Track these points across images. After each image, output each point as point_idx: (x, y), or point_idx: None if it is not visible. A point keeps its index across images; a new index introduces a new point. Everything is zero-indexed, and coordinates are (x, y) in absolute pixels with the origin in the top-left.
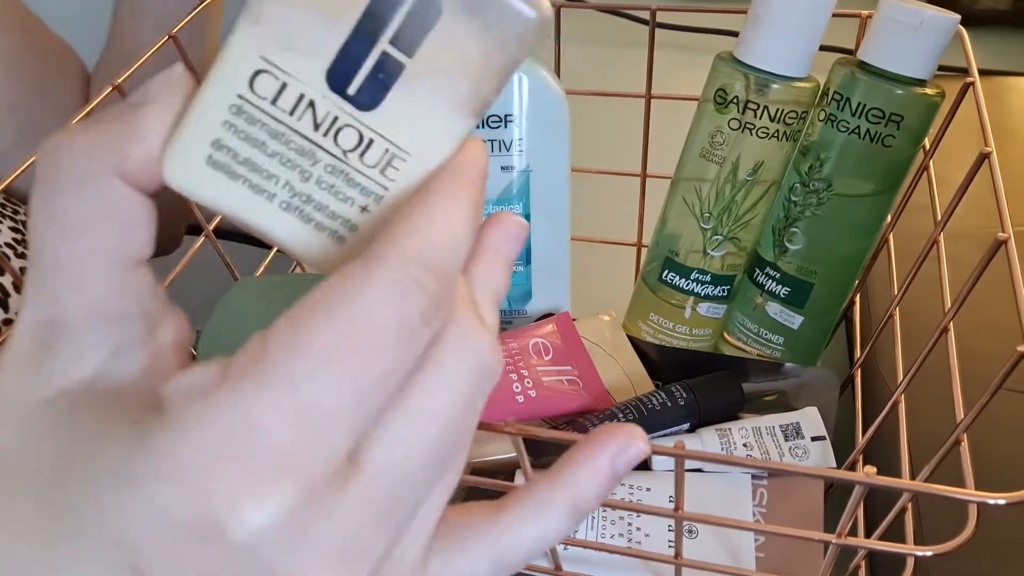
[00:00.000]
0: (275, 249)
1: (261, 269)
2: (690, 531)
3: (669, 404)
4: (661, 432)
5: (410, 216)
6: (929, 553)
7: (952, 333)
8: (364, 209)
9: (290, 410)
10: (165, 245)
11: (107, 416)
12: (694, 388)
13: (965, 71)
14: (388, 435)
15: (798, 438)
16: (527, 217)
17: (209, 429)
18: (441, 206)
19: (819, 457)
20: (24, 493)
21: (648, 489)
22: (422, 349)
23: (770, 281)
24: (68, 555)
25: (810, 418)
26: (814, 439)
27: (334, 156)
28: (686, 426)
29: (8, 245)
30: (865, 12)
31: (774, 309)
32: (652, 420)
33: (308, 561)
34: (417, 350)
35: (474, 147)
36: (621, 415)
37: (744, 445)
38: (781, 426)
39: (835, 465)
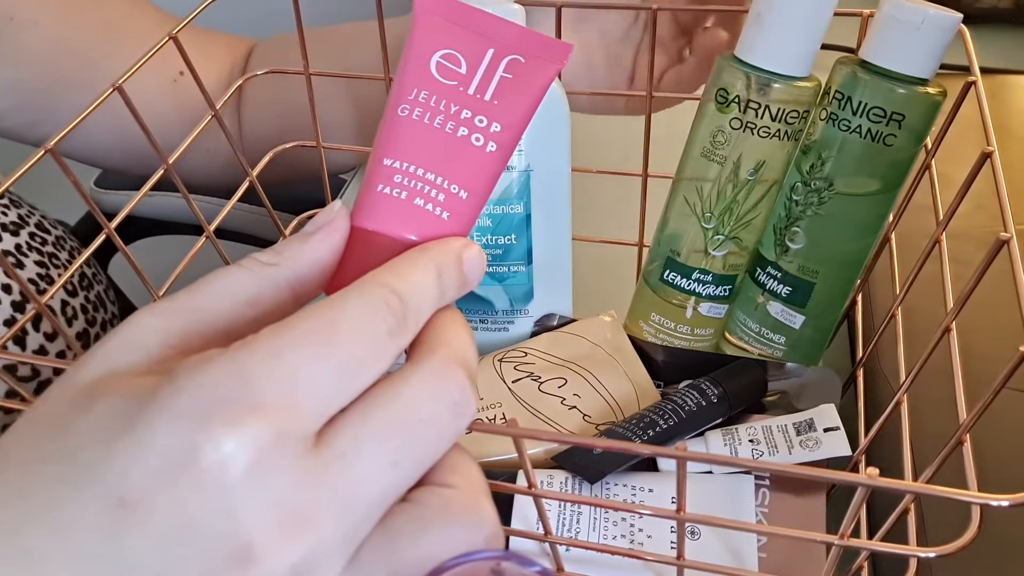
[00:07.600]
0: None
1: None
2: (692, 532)
3: (704, 403)
4: (697, 432)
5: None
6: (932, 554)
7: (954, 333)
8: None
9: (273, 369)
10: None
11: (129, 385)
12: (722, 380)
13: (967, 70)
14: (354, 428)
15: (810, 431)
16: (528, 217)
17: (204, 381)
18: (414, 259)
19: (832, 448)
20: (34, 447)
21: (650, 490)
22: (388, 359)
23: (771, 280)
24: (64, 495)
25: (824, 411)
26: (827, 430)
27: None
28: (719, 421)
29: (32, 281)
30: (867, 11)
31: (776, 308)
32: (691, 422)
33: (260, 508)
34: (384, 356)
35: (464, 241)
36: (662, 421)
37: (750, 440)
38: (794, 423)
39: (850, 454)
